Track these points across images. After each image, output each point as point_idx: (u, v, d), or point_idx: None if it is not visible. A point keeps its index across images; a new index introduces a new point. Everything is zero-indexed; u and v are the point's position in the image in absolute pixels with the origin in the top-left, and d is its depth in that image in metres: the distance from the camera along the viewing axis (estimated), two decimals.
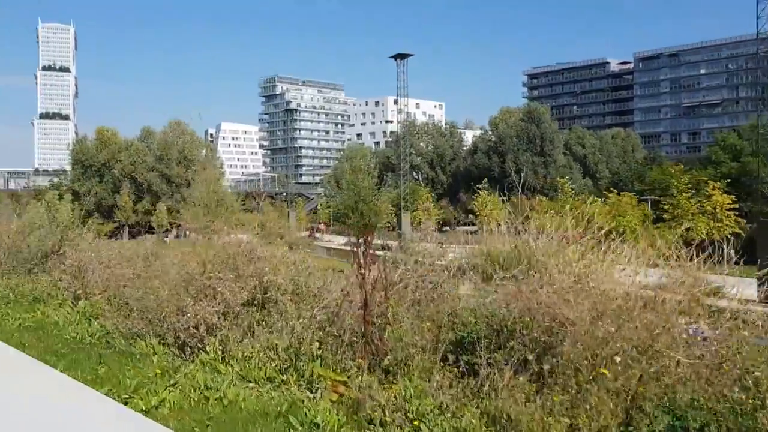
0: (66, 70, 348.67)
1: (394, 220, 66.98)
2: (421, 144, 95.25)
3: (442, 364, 5.86)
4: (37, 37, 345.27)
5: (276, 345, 6.02)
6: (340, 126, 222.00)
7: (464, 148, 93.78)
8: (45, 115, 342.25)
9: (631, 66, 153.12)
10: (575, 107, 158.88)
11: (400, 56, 56.46)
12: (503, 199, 63.39)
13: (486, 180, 46.15)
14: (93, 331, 7.33)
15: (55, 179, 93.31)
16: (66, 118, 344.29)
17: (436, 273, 7.66)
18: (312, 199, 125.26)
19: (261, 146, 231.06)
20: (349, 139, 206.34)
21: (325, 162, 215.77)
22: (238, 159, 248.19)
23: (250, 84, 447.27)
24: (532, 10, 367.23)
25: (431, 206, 53.67)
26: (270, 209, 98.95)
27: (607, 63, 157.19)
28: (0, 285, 9.20)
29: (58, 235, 10.70)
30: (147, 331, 7.01)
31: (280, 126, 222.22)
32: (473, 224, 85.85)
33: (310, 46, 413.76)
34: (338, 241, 75.20)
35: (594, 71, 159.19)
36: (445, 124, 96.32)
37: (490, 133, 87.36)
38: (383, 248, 47.10)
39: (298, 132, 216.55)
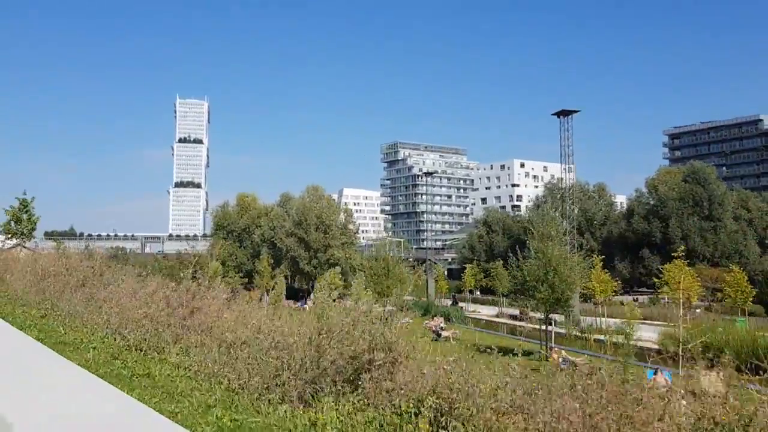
0: (199, 141, 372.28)
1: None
2: (566, 207, 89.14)
3: None
4: (175, 111, 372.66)
5: None
6: (462, 190, 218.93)
7: (614, 212, 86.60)
8: (179, 184, 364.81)
9: None
10: (724, 168, 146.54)
11: (564, 113, 52.16)
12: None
13: (683, 248, 39.84)
14: None
15: (206, 245, 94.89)
16: (198, 186, 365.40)
17: None
18: (438, 264, 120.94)
19: (382, 211, 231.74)
20: (473, 204, 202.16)
21: (446, 227, 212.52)
22: (359, 224, 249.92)
23: (371, 149, 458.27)
24: (669, 68, 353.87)
25: (606, 276, 47.65)
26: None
27: (760, 120, 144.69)
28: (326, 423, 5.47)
29: (376, 335, 7.02)
30: None
31: (402, 191, 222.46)
32: (634, 292, 77.89)
33: (430, 111, 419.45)
34: (485, 311, 69.98)
35: (744, 129, 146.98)
36: (593, 186, 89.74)
37: (648, 195, 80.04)
38: (548, 323, 41.02)
39: (420, 197, 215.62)
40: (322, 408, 6.15)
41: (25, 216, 37.20)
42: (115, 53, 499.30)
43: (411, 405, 6.02)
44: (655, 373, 22.68)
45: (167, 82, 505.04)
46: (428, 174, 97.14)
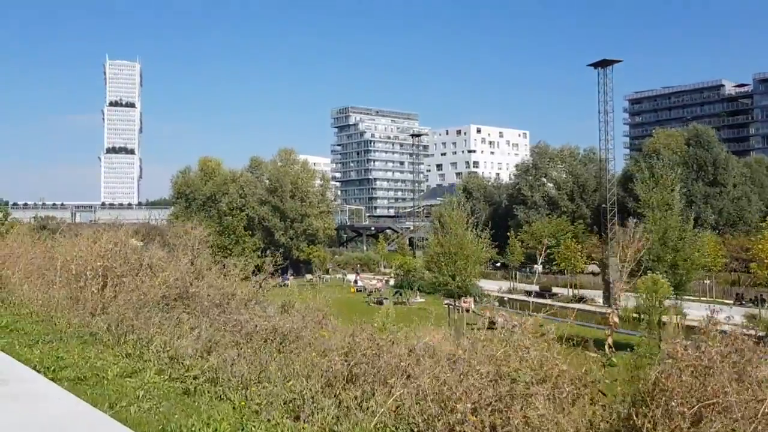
0: (132, 105, 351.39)
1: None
2: (554, 173, 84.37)
3: None
4: (105, 74, 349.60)
5: None
6: (415, 156, 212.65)
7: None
8: (111, 150, 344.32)
9: (749, 88, 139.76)
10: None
11: (605, 63, 46.32)
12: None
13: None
14: None
15: (162, 212, 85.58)
16: (131, 152, 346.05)
17: None
18: (400, 233, 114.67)
19: (333, 178, 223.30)
20: (428, 170, 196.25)
21: (399, 194, 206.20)
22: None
23: (321, 115, 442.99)
24: (630, 33, 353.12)
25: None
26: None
27: (722, 86, 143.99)
28: None
29: None
30: None
31: (353, 157, 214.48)
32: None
33: (382, 76, 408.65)
34: (490, 286, 64.12)
35: (706, 95, 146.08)
36: (583, 150, 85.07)
37: (647, 159, 75.89)
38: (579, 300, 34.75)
39: (372, 163, 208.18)
40: None
41: None
42: (37, 10, 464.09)
43: None
44: None
45: (96, 43, 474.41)
46: (416, 135, 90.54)
